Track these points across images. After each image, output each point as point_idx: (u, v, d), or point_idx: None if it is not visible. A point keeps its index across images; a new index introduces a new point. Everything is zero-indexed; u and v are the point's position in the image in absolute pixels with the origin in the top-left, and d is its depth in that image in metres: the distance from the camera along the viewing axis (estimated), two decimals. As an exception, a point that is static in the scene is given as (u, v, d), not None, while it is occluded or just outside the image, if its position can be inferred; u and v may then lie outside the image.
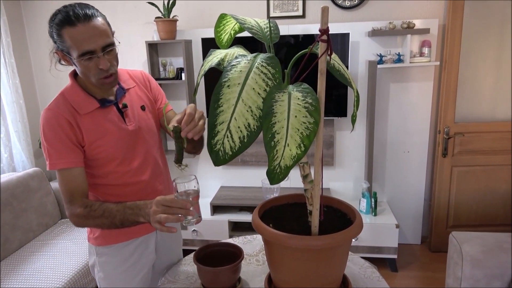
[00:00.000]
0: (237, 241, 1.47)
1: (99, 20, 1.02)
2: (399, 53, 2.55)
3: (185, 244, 2.81)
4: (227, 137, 0.80)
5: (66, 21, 0.97)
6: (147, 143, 1.21)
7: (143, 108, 1.21)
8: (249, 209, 2.79)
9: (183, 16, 2.78)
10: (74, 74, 1.14)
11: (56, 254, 2.14)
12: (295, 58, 0.89)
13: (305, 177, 0.97)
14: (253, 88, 0.80)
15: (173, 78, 2.74)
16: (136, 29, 2.87)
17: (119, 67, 1.21)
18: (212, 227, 2.72)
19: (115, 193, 1.06)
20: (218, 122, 0.80)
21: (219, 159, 0.81)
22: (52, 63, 1.10)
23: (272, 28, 0.94)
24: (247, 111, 0.79)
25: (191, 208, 0.97)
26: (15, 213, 2.21)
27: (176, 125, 0.95)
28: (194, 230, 2.75)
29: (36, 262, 2.08)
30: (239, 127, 0.79)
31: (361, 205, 2.68)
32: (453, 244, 1.82)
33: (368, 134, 2.63)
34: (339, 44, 2.54)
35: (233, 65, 0.83)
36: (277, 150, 0.78)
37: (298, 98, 0.80)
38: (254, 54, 0.85)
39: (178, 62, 2.82)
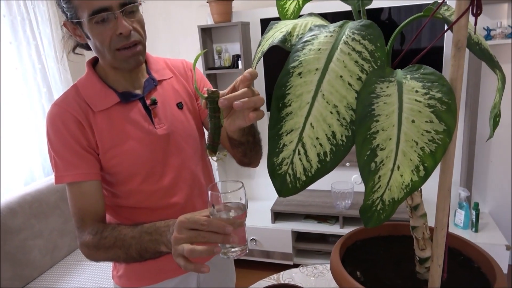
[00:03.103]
0: (305, 272, 1.22)
1: None
2: (513, 24, 2.08)
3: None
4: (299, 153, 0.54)
5: None
6: (183, 152, 0.98)
7: (180, 106, 0.98)
8: (316, 217, 2.51)
9: (240, -5, 2.56)
10: (92, 63, 0.96)
11: (103, 265, 2.07)
12: (404, 24, 0.60)
13: (414, 208, 0.68)
14: (341, 76, 0.53)
15: (229, 67, 2.54)
16: (189, 14, 2.71)
17: (158, 55, 1.00)
18: (273, 237, 2.50)
19: (141, 219, 0.85)
20: (284, 130, 0.55)
21: (286, 187, 0.56)
22: (65, 52, 0.91)
23: (364, -16, 0.66)
24: (331, 112, 0.52)
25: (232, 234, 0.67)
26: (64, 218, 2.18)
27: (212, 89, 0.64)
28: (252, 238, 2.55)
29: (82, 273, 2.02)
30: (317, 138, 0.53)
31: (457, 218, 2.26)
32: None
33: (469, 129, 2.19)
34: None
35: (307, 41, 0.57)
36: (380, 177, 0.51)
37: (417, 91, 0.51)
38: (340, 23, 0.57)
39: (235, 48, 2.61)
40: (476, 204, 2.20)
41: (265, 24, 2.39)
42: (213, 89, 0.63)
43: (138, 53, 0.87)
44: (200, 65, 2.67)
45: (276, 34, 0.63)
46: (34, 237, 2.00)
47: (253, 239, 2.54)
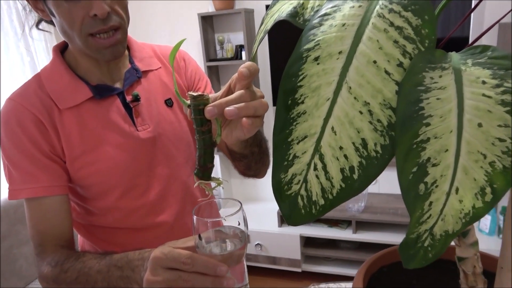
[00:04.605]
0: (318, 293, 1.08)
1: None
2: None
3: (247, 260, 2.51)
4: (315, 168, 0.41)
5: None
6: (173, 160, 0.84)
7: (169, 103, 0.85)
8: (326, 221, 2.39)
9: (243, -21, 2.42)
10: (61, 49, 0.82)
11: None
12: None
13: (462, 235, 0.54)
14: (374, 62, 0.39)
15: (231, 58, 2.41)
16: (189, 0, 2.58)
17: (143, 40, 0.87)
18: (280, 242, 2.39)
19: (120, 242, 0.72)
20: (295, 137, 0.41)
21: (297, 213, 0.43)
22: (27, 25, 0.79)
23: None
24: (361, 112, 0.39)
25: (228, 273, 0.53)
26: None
27: (195, 93, 0.48)
28: (258, 244, 2.43)
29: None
30: (341, 147, 0.40)
31: (482, 223, 2.12)
32: None
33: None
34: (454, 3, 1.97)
35: (326, 14, 0.43)
36: (431, 203, 0.37)
37: (484, 82, 0.37)
38: (371, -11, 0.43)
39: (238, 38, 2.48)
40: (504, 208, 2.05)
41: (271, 11, 2.25)
42: (196, 94, 0.47)
43: (117, 43, 0.73)
44: (199, 57, 2.53)
45: (283, 7, 0.48)
46: (19, 244, 1.91)
47: (258, 244, 2.44)
